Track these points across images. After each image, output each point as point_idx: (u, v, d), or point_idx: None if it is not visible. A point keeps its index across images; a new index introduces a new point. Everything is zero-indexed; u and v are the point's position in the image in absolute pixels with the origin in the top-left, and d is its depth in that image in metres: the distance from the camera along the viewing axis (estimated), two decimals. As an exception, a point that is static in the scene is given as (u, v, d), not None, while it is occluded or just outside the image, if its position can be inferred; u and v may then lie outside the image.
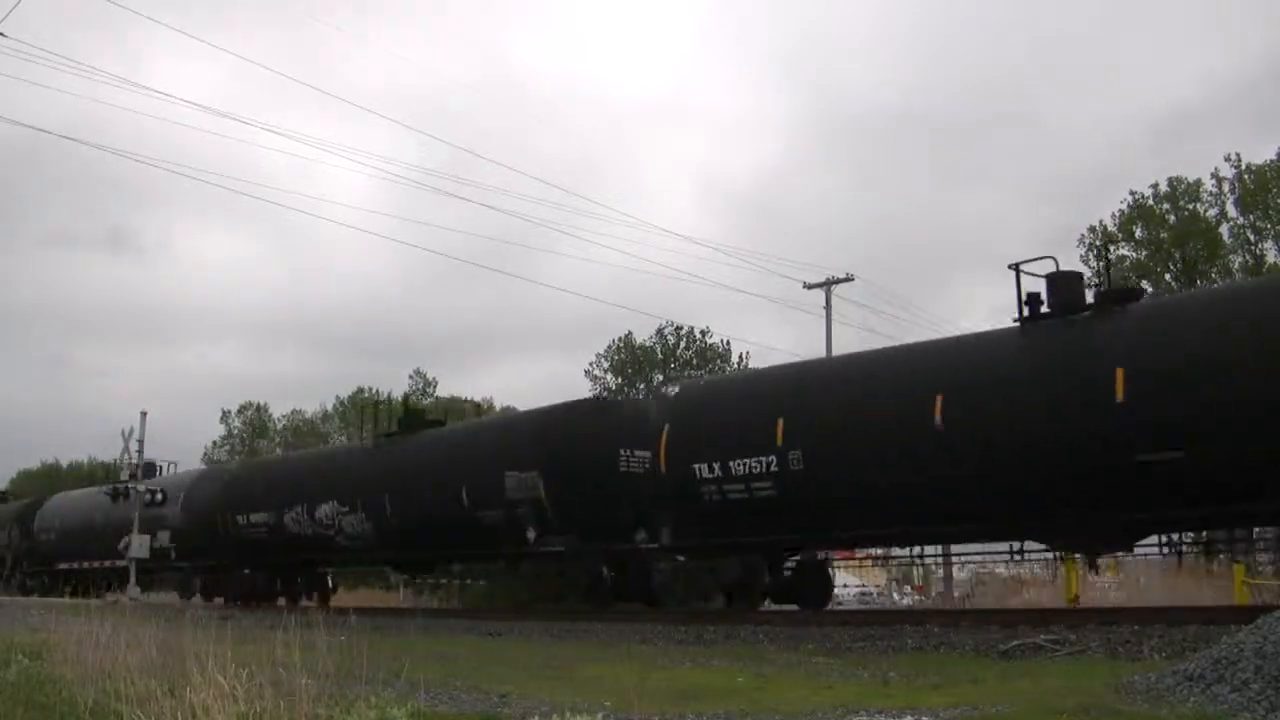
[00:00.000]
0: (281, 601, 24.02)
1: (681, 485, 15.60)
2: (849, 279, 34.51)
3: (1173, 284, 33.51)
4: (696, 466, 15.27)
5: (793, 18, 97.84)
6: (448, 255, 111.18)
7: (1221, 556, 18.65)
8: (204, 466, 37.38)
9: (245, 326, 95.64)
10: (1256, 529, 13.60)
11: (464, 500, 18.73)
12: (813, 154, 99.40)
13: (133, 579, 25.61)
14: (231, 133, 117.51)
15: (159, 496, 27.13)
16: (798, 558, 16.55)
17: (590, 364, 43.24)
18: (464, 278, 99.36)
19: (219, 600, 25.79)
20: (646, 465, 17.05)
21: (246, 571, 25.11)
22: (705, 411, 16.33)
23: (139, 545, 25.84)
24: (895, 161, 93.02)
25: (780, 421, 14.53)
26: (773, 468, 14.42)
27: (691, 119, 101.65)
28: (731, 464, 14.89)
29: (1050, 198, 77.92)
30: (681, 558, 16.75)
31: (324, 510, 22.25)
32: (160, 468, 33.99)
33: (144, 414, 27.86)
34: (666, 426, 16.25)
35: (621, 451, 17.48)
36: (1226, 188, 34.12)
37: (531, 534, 17.50)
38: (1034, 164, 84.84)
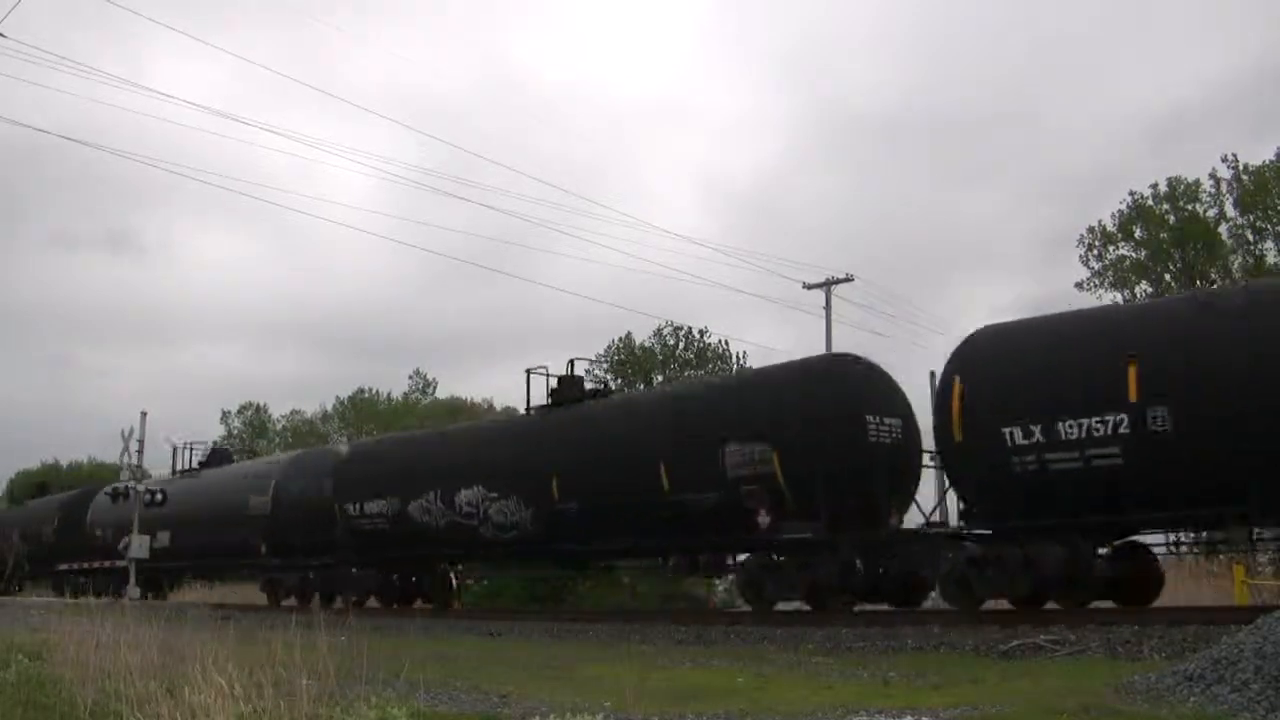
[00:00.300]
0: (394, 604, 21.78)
1: (981, 454, 12.85)
2: (849, 279, 34.50)
3: (1172, 284, 33.54)
4: (1007, 430, 12.51)
5: (793, 18, 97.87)
6: (447, 255, 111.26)
7: (1221, 557, 18.64)
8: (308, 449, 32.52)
9: (245, 326, 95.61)
10: (1256, 529, 13.26)
11: (663, 480, 15.77)
12: (813, 154, 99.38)
13: (132, 579, 25.44)
14: (232, 133, 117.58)
15: (158, 496, 26.81)
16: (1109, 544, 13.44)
17: (591, 363, 43.28)
18: (464, 278, 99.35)
19: (310, 603, 22.76)
20: (898, 434, 14.80)
21: (354, 570, 22.28)
22: (1018, 360, 13.19)
23: (139, 545, 25.65)
24: (895, 161, 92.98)
25: (1133, 370, 11.83)
26: (1121, 429, 11.72)
27: (691, 119, 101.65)
28: (1060, 426, 12.14)
29: (1050, 198, 77.89)
30: (969, 544, 13.63)
31: (466, 496, 19.14)
32: (234, 455, 32.59)
33: (144, 414, 27.76)
34: (957, 381, 13.31)
35: (869, 419, 14.62)
36: (1225, 188, 34.14)
37: (764, 519, 14.66)
38: (1034, 164, 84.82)
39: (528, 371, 19.85)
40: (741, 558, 16.22)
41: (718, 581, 30.58)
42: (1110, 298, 35.23)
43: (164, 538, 27.13)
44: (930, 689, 7.69)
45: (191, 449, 30.12)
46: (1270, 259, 32.84)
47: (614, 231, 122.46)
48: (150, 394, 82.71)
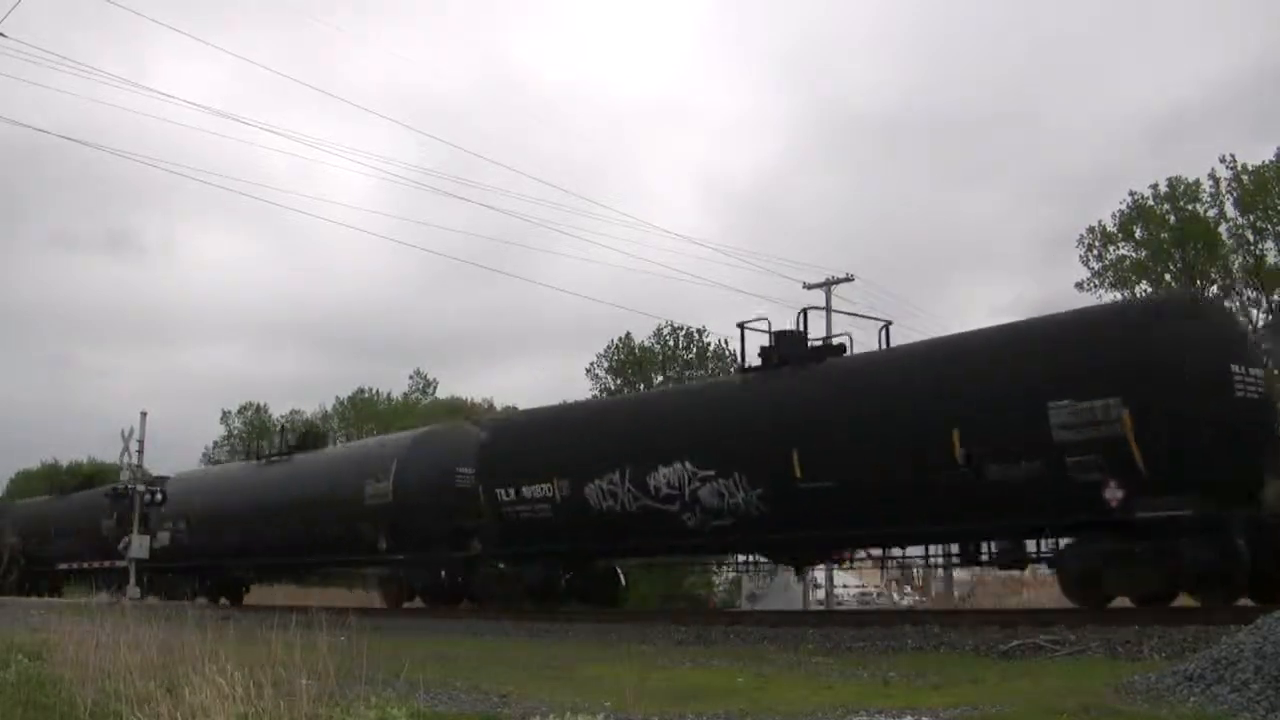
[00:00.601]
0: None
1: None
2: (849, 279, 34.48)
3: (1172, 284, 33.55)
4: None
5: (793, 18, 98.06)
6: (447, 256, 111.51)
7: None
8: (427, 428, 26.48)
9: (245, 326, 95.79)
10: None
11: (955, 449, 12.99)
12: (813, 154, 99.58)
13: (132, 579, 25.33)
14: (232, 133, 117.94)
15: (158, 496, 26.54)
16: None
17: (591, 363, 43.34)
18: (464, 278, 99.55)
19: (441, 604, 20.70)
20: (1261, 389, 12.21)
21: (501, 566, 19.33)
22: None
23: (139, 545, 25.47)
24: (895, 161, 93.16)
25: None
26: None
27: (691, 119, 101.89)
28: None
29: (1050, 198, 78.08)
30: None
31: (665, 476, 16.06)
32: (333, 438, 29.76)
33: (144, 414, 27.70)
34: None
35: (1235, 369, 11.96)
36: (1224, 187, 34.17)
37: (1113, 493, 11.84)
38: (1034, 164, 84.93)
39: (741, 326, 16.57)
40: (1053, 543, 13.53)
41: (715, 580, 30.24)
42: (1110, 298, 35.23)
43: (242, 532, 24.61)
44: (930, 689, 7.68)
45: (285, 432, 27.69)
46: (1270, 259, 32.85)
47: (614, 231, 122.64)
48: (150, 394, 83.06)
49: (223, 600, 25.96)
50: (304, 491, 23.16)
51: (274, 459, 26.00)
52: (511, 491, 18.36)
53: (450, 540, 20.02)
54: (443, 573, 20.55)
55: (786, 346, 16.18)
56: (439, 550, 20.20)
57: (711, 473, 15.56)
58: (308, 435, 27.56)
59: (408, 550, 20.47)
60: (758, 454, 15.10)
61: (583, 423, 19.45)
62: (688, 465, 15.84)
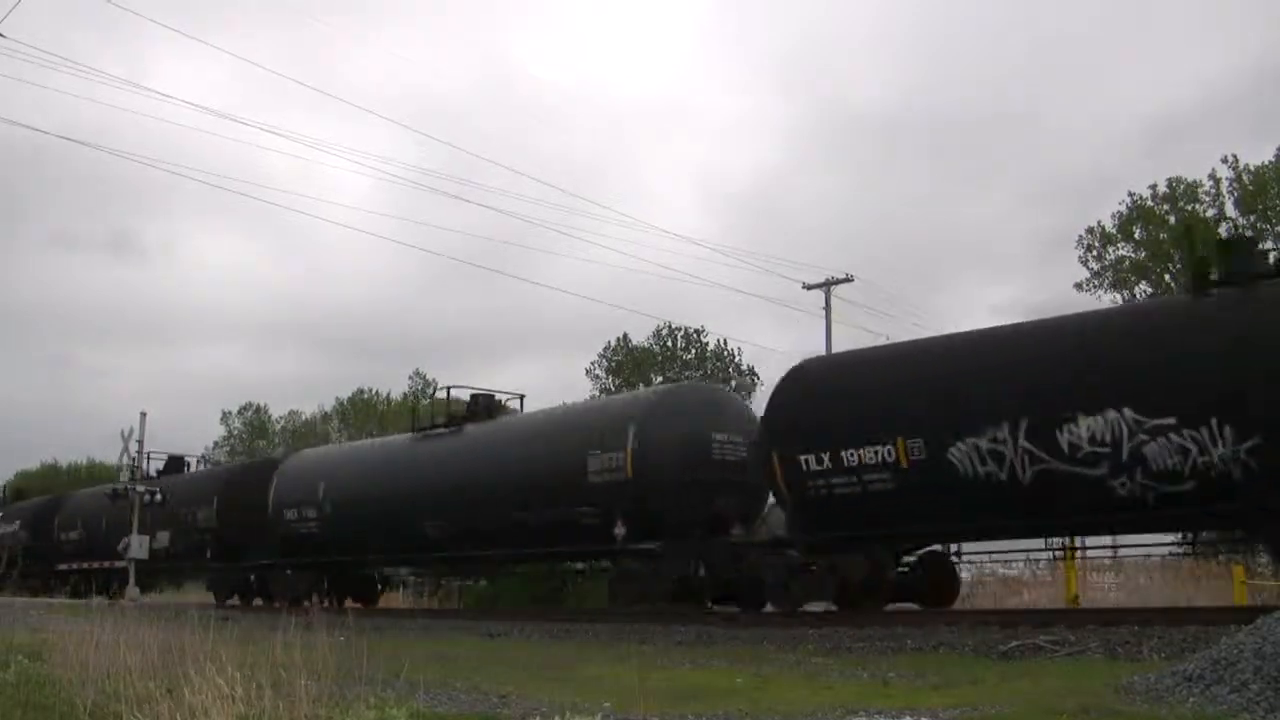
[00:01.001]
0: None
1: None
2: (849, 279, 34.52)
3: (1172, 285, 33.57)
4: None
5: (793, 18, 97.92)
6: (447, 256, 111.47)
7: (1221, 557, 18.66)
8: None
9: (245, 326, 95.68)
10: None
11: None
12: (812, 154, 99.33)
13: (132, 579, 25.38)
14: (232, 133, 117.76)
15: (158, 497, 26.45)
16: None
17: (592, 363, 43.41)
18: (464, 278, 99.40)
19: (686, 605, 16.44)
20: None
21: (790, 555, 15.23)
22: None
23: (139, 545, 25.50)
24: (895, 161, 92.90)
25: None
26: None
27: (691, 119, 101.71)
28: None
29: (1050, 198, 77.91)
30: None
31: (1086, 429, 12.14)
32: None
33: (144, 414, 27.78)
34: None
35: None
36: (1225, 187, 34.22)
37: None
38: (1034, 164, 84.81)
39: (1186, 225, 13.56)
40: None
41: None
42: (1110, 299, 35.28)
43: (394, 520, 20.50)
44: (930, 689, 7.69)
45: (449, 394, 22.43)
46: (1271, 260, 32.90)
47: (613, 232, 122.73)
48: (150, 394, 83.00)
49: (349, 603, 22.42)
50: (486, 468, 19.05)
51: (436, 431, 21.42)
52: (824, 458, 14.32)
53: (708, 525, 16.20)
54: (699, 566, 16.49)
55: (1239, 258, 12.65)
56: (692, 537, 16.21)
57: (1170, 420, 11.70)
58: (477, 402, 21.64)
59: (662, 538, 16.26)
60: (1252, 392, 11.31)
61: (944, 362, 14.46)
62: (1127, 413, 11.98)
